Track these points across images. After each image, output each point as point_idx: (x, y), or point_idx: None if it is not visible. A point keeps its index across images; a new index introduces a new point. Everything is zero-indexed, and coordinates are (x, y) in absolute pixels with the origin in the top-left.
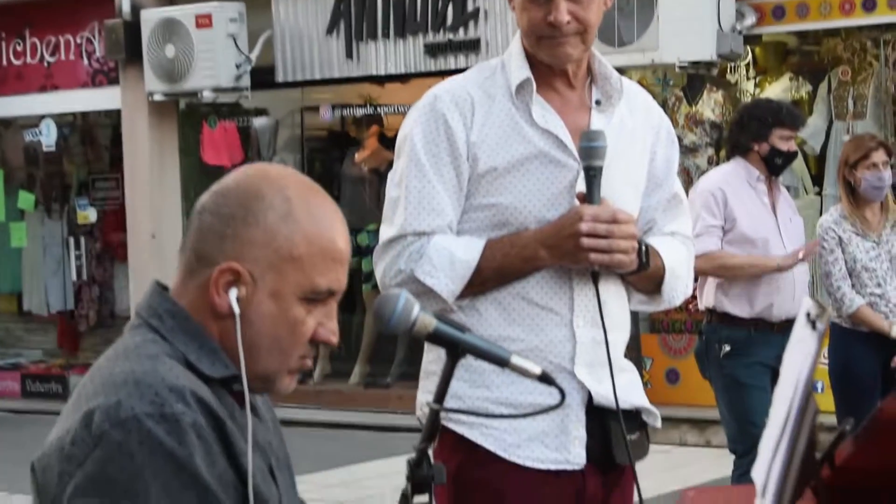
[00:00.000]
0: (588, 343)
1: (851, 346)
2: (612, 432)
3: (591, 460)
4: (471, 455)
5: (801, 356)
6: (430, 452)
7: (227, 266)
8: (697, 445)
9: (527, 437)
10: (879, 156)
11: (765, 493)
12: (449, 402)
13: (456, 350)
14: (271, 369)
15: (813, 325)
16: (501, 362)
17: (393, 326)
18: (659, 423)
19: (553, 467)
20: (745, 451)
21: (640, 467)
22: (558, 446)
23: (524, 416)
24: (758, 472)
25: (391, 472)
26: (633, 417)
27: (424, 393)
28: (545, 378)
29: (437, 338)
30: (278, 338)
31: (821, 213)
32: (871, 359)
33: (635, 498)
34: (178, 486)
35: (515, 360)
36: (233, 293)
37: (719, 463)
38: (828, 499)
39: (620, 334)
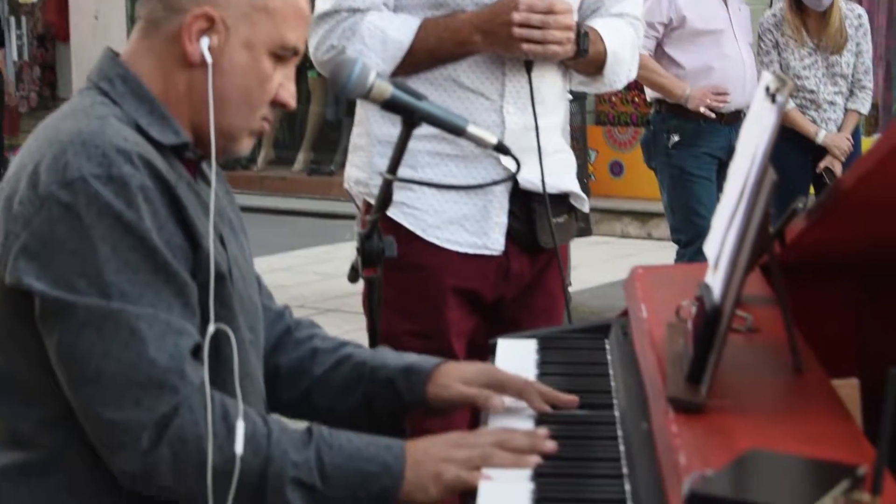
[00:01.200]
0: (517, 129)
1: (779, 139)
2: (538, 215)
3: (518, 243)
4: (395, 233)
5: (759, 129)
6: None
7: (201, 11)
8: (639, 237)
9: (447, 219)
10: None
11: (717, 266)
12: (372, 179)
13: (412, 117)
14: (236, 125)
15: (772, 98)
16: (457, 130)
17: (349, 90)
18: (587, 208)
19: (471, 251)
20: (688, 240)
21: (581, 258)
22: (478, 231)
23: (476, 187)
24: (710, 245)
25: (334, 257)
26: (562, 201)
27: (352, 167)
28: (501, 147)
29: (392, 104)
30: (248, 90)
31: (770, 6)
32: (799, 157)
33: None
34: (126, 248)
35: (472, 128)
36: (205, 41)
37: (661, 255)
38: (777, 276)
39: (554, 118)
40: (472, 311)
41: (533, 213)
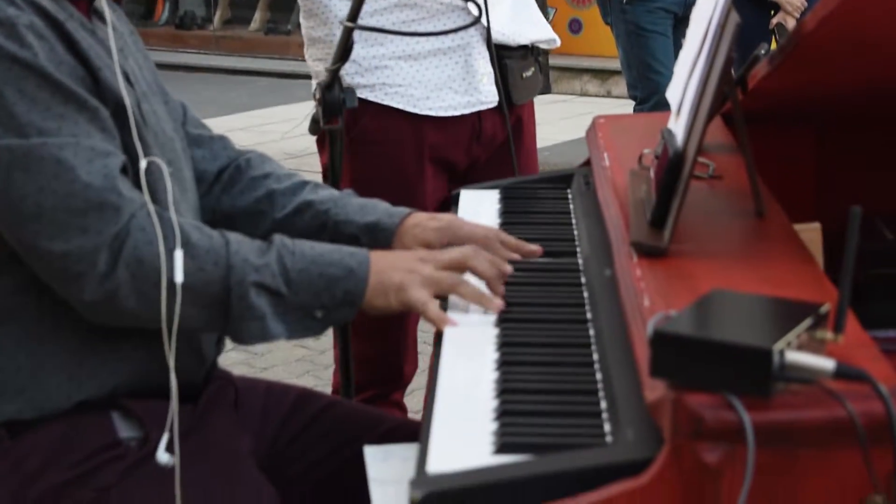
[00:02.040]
0: None
1: None
2: (508, 70)
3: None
4: (377, 115)
5: None
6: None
7: None
8: (599, 95)
9: (434, 86)
10: None
11: (680, 112)
12: (346, 67)
13: None
14: None
15: None
16: None
17: None
18: (558, 42)
19: (467, 111)
20: (643, 97)
21: (541, 116)
22: (467, 88)
23: (444, 33)
24: (673, 91)
25: (291, 117)
26: (528, 53)
27: (315, 61)
28: None
29: None
30: None
31: None
32: (755, 14)
33: (534, 147)
34: (31, 87)
35: None
36: None
37: (620, 112)
38: (740, 121)
39: None
40: (448, 180)
41: (504, 69)
